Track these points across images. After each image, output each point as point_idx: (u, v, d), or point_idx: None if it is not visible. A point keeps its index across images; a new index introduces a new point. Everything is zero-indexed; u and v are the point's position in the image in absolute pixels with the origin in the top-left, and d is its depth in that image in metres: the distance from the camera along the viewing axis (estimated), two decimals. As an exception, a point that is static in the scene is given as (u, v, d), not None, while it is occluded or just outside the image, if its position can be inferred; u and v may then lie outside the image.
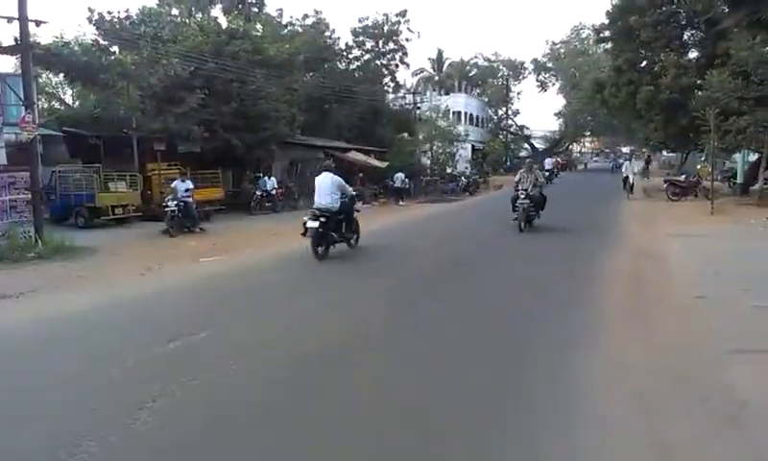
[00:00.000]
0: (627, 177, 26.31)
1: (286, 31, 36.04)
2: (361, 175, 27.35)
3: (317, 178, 11.60)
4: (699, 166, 28.92)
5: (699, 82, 22.62)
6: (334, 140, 30.31)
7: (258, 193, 22.56)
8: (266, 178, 23.04)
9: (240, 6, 35.67)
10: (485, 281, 9.26)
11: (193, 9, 34.68)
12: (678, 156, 43.44)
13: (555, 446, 3.78)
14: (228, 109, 21.41)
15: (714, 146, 19.52)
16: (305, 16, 37.97)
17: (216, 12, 35.07)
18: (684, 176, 25.38)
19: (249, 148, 22.35)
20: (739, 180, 25.40)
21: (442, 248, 13.28)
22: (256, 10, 36.50)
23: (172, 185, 16.77)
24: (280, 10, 38.23)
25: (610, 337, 6.12)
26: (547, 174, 33.96)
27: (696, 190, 22.85)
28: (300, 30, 36.74)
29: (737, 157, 29.01)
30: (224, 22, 27.52)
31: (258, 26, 30.82)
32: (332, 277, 9.93)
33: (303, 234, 10.99)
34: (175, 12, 32.87)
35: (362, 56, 40.67)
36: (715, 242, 12.61)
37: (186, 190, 16.63)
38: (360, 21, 40.23)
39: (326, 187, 11.20)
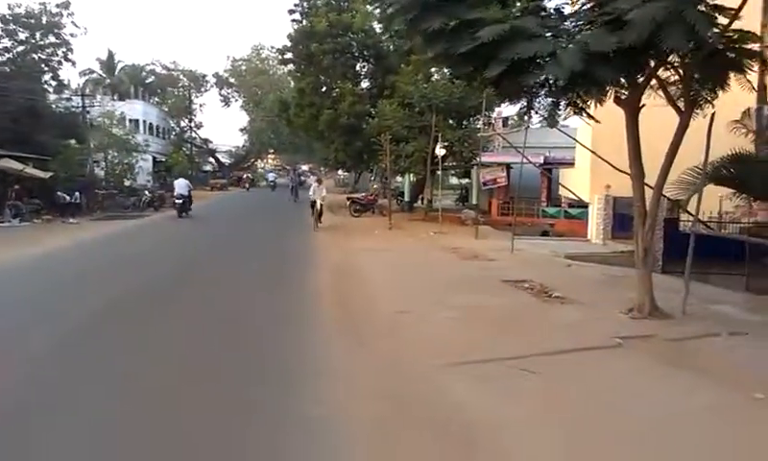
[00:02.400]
0: (315, 202, 19.80)
1: None
2: (17, 187, 22.54)
3: (176, 181, 24.90)
4: (374, 186, 32.25)
5: (372, 109, 25.24)
6: (-23, 144, 24.39)
7: None
8: None
9: None
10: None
11: None
12: (352, 175, 47.98)
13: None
14: None
15: (389, 168, 21.88)
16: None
17: None
18: (363, 194, 27.94)
19: None
20: (407, 198, 29.18)
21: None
22: None
23: None
24: None
25: (334, 363, 5.94)
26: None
27: (373, 207, 25.32)
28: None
29: (400, 178, 33.38)
30: None
31: None
32: None
33: (174, 206, 23.63)
34: None
35: (14, 47, 34.12)
36: (400, 255, 13.93)
37: None
38: (10, 7, 33.77)
39: (183, 185, 23.46)
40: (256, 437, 4.16)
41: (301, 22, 31.53)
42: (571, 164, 21.72)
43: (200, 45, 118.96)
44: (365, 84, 30.62)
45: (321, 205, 19.80)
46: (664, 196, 8.79)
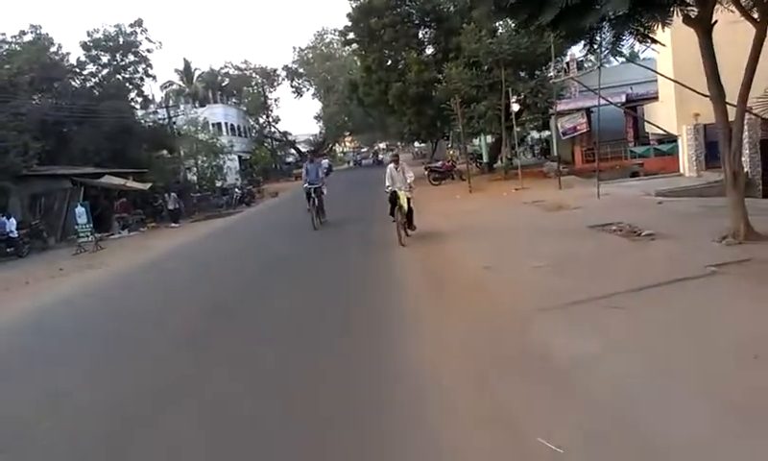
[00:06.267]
0: (395, 193, 11.11)
1: (1, 50, 30.79)
2: (123, 200, 24.54)
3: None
4: (450, 152, 32.02)
5: (439, 75, 25.05)
6: (82, 166, 26.66)
7: (-7, 238, 18.82)
8: (3, 218, 19.29)
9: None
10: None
11: None
12: (428, 144, 47.76)
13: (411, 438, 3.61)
14: (-67, 145, 17.37)
15: (463, 131, 21.71)
16: (22, 33, 32.92)
17: None
18: (440, 162, 27.87)
19: (-29, 187, 18.43)
20: (485, 159, 28.80)
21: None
22: (-42, 27, 30.47)
23: None
24: (-9, 26, 32.43)
25: (436, 315, 6.27)
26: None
27: (452, 173, 25.21)
28: (19, 48, 31.69)
29: (476, 140, 32.90)
30: None
31: (-36, 46, 25.76)
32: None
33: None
34: None
35: (99, 71, 36.70)
36: (481, 215, 13.89)
37: None
38: (89, 34, 36.24)
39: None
40: (358, 389, 4.51)
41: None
42: (655, 98, 20.58)
43: (266, 40, 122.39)
44: (429, 50, 30.31)
45: (408, 199, 11.11)
46: (755, 115, 8.27)
